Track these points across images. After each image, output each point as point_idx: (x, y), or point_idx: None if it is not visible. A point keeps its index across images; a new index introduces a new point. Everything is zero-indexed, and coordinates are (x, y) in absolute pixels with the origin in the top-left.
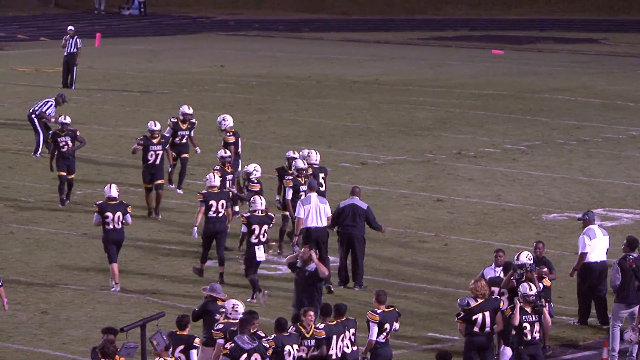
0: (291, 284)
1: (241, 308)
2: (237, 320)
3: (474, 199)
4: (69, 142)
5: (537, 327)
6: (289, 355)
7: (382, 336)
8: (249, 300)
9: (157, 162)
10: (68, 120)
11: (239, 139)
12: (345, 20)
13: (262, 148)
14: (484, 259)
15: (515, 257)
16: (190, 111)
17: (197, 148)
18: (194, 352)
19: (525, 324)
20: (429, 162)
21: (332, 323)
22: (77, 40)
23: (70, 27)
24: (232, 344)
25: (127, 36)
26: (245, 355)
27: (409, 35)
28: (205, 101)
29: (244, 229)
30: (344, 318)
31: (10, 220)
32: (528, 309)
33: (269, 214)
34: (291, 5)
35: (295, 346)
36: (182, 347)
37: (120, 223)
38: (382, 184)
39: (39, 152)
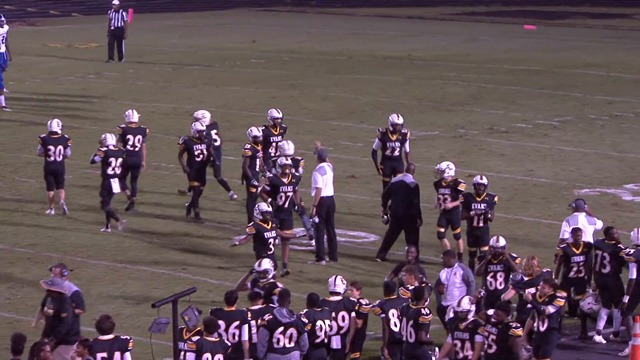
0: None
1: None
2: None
3: (506, 175)
4: (204, 151)
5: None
6: (321, 330)
7: None
8: (102, 230)
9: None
10: (204, 126)
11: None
12: None
13: (294, 123)
14: (515, 235)
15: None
16: (402, 120)
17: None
18: (246, 327)
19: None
20: (460, 137)
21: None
22: (123, 13)
23: (115, 1)
24: (271, 316)
25: (159, 11)
26: (281, 328)
27: (441, 11)
28: (238, 77)
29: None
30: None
31: (43, 196)
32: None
33: (122, 149)
34: None
35: (327, 321)
36: (237, 322)
37: (61, 156)
38: (414, 159)
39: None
